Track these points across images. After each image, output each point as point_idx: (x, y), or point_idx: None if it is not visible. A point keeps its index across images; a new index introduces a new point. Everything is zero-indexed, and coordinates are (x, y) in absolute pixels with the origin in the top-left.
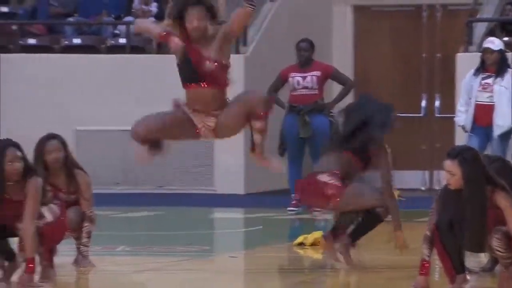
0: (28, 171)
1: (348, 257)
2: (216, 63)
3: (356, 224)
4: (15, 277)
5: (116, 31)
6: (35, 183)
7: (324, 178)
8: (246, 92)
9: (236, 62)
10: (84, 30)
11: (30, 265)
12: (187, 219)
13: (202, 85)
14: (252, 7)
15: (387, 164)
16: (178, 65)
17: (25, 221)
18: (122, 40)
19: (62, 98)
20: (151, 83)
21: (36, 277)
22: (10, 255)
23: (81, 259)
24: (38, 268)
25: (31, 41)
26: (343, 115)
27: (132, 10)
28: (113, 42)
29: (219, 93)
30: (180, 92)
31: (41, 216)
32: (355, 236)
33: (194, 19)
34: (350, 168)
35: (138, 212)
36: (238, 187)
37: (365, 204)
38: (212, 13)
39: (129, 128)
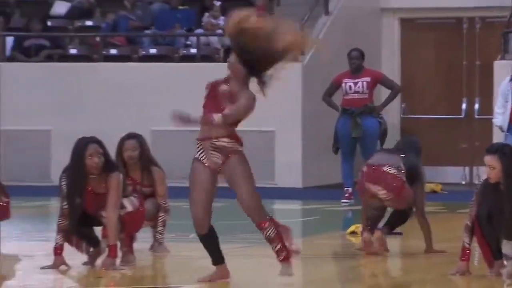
0: (109, 166)
1: (385, 245)
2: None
3: (390, 219)
4: (99, 261)
5: (188, 42)
6: (117, 177)
7: (391, 170)
8: (244, 189)
9: (294, 70)
10: (159, 41)
11: (113, 251)
12: None
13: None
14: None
15: (422, 195)
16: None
17: (108, 211)
18: (193, 50)
19: (140, 101)
20: None
21: (118, 261)
22: (95, 242)
23: (157, 246)
24: (120, 253)
25: (113, 51)
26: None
27: (202, 24)
28: (185, 52)
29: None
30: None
31: (122, 207)
32: (391, 228)
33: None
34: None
35: None
36: (296, 181)
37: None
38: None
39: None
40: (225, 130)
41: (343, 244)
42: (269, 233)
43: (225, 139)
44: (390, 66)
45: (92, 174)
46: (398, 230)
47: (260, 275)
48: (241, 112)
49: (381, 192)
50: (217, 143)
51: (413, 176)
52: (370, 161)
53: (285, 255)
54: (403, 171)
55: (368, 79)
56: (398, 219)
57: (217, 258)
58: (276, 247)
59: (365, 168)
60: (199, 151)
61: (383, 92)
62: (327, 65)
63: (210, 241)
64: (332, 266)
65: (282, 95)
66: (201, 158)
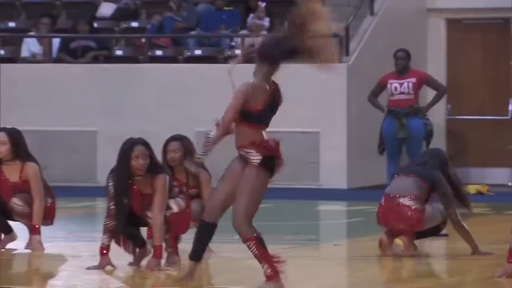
0: (154, 167)
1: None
2: None
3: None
4: (144, 262)
5: (233, 43)
6: (163, 179)
7: (407, 202)
8: (238, 205)
9: (339, 71)
10: (205, 42)
11: (158, 252)
12: (295, 211)
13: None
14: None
15: (451, 204)
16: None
17: (154, 212)
18: (238, 51)
19: (185, 102)
20: None
21: (163, 262)
22: (141, 243)
23: None
24: (165, 254)
25: (158, 52)
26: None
27: (247, 25)
28: (229, 52)
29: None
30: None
31: (168, 208)
32: (420, 237)
33: None
34: (421, 192)
35: None
36: (341, 182)
37: (435, 224)
38: None
39: None
40: (245, 139)
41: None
42: (255, 251)
43: (245, 149)
44: (436, 67)
45: (137, 175)
46: (444, 232)
47: (304, 275)
48: (228, 111)
49: (402, 227)
50: (240, 152)
51: (437, 187)
52: (389, 190)
53: (267, 277)
54: (421, 196)
55: (413, 79)
56: (427, 231)
57: (199, 254)
58: (262, 265)
59: (383, 201)
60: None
61: (429, 93)
62: (372, 66)
63: (207, 233)
64: (375, 267)
65: (327, 96)
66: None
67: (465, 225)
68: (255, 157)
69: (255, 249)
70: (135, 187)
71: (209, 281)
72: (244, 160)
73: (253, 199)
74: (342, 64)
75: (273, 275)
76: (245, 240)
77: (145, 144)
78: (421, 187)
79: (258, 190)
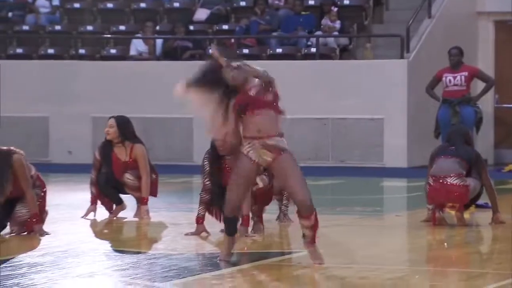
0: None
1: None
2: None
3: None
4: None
5: (309, 43)
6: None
7: (453, 180)
8: (298, 182)
9: (401, 66)
10: (285, 42)
11: (246, 220)
12: (363, 187)
13: (261, 108)
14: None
15: (486, 171)
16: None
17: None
18: (313, 49)
19: None
20: (334, 82)
21: (250, 229)
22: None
23: (282, 217)
24: (251, 223)
25: (245, 51)
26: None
27: (321, 26)
28: (306, 51)
29: (274, 116)
30: (350, 90)
31: (254, 183)
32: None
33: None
34: (462, 169)
35: (325, 181)
36: (402, 162)
37: (477, 193)
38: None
39: (319, 117)
40: (276, 129)
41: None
42: (311, 224)
43: (277, 138)
44: (485, 62)
45: (227, 155)
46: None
47: (372, 242)
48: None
49: (451, 205)
50: (268, 142)
51: (474, 163)
52: (434, 171)
53: (311, 242)
54: (463, 173)
55: (466, 73)
56: (471, 200)
57: (233, 231)
58: (308, 234)
59: (431, 181)
60: (248, 149)
61: (479, 85)
62: (430, 62)
63: (234, 224)
64: (432, 235)
65: (390, 88)
66: (249, 155)
67: (495, 192)
68: (285, 143)
69: (314, 223)
70: (226, 165)
71: (289, 246)
72: (272, 149)
73: (303, 176)
74: (403, 60)
75: (313, 242)
76: (309, 216)
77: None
78: (461, 165)
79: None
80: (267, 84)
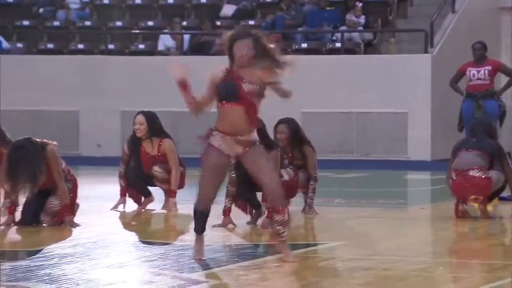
0: (269, 144)
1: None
2: (253, 86)
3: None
4: (259, 221)
5: (334, 37)
6: (275, 153)
7: (475, 173)
8: (269, 173)
9: (425, 61)
10: (310, 37)
11: (271, 213)
12: (387, 180)
13: (236, 104)
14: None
15: (508, 163)
16: (218, 86)
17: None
18: (338, 44)
19: (293, 87)
20: (359, 76)
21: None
22: (257, 205)
23: (307, 209)
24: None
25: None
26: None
27: (345, 21)
28: (331, 45)
29: (248, 113)
30: (374, 84)
31: (280, 176)
32: (490, 199)
33: (241, 48)
34: (484, 161)
35: (350, 174)
36: (426, 155)
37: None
38: (258, 45)
39: (344, 111)
40: (249, 128)
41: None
42: (283, 219)
43: (250, 135)
44: (509, 57)
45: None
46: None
47: (396, 234)
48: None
49: (475, 197)
50: (240, 138)
51: (496, 155)
52: (456, 165)
53: (284, 238)
54: (486, 166)
55: (489, 67)
56: (494, 192)
57: (202, 228)
58: (280, 230)
59: (454, 175)
60: (219, 142)
61: (502, 79)
62: (453, 56)
63: (205, 220)
64: (455, 227)
65: (415, 82)
66: (221, 148)
67: None
68: (256, 137)
69: (286, 217)
70: None
71: (314, 238)
72: (243, 143)
73: (276, 168)
74: (427, 55)
75: (285, 240)
76: (280, 209)
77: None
78: (483, 158)
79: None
80: (262, 91)
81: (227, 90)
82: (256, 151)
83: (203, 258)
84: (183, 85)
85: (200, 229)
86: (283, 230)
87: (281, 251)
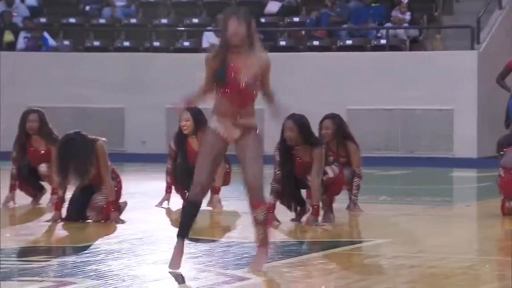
0: (314, 140)
1: None
2: (248, 78)
3: None
4: (304, 218)
5: (379, 34)
6: (320, 150)
7: None
8: (254, 165)
9: (471, 57)
10: (355, 34)
11: (316, 210)
12: (432, 177)
13: (233, 90)
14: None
15: None
16: (215, 71)
17: (312, 177)
18: (383, 41)
19: (338, 85)
20: (404, 73)
21: (320, 219)
22: (301, 202)
23: (352, 206)
24: (321, 212)
25: (315, 42)
26: None
27: (391, 18)
28: (376, 42)
29: (246, 100)
30: (420, 80)
31: (325, 173)
32: None
33: (232, 26)
34: None
35: (395, 171)
36: (472, 152)
37: None
38: (248, 22)
39: (389, 107)
40: (250, 109)
41: None
42: (260, 216)
43: (249, 119)
44: None
45: (297, 145)
46: None
47: (441, 231)
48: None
49: None
50: (240, 121)
51: None
52: (505, 163)
53: (263, 242)
54: None
55: None
56: None
57: (186, 231)
58: (259, 232)
59: (502, 173)
60: (217, 124)
61: None
62: (500, 52)
63: (194, 211)
64: (502, 225)
65: (461, 79)
66: (218, 130)
67: None
68: (255, 122)
69: (263, 215)
70: (297, 156)
71: (359, 235)
72: (240, 127)
73: (261, 161)
74: (473, 51)
75: (265, 244)
76: (257, 204)
77: (296, 120)
78: None
79: (262, 152)
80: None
81: (223, 80)
82: (249, 140)
83: (177, 271)
84: (189, 103)
85: (183, 232)
86: (259, 231)
87: (255, 256)
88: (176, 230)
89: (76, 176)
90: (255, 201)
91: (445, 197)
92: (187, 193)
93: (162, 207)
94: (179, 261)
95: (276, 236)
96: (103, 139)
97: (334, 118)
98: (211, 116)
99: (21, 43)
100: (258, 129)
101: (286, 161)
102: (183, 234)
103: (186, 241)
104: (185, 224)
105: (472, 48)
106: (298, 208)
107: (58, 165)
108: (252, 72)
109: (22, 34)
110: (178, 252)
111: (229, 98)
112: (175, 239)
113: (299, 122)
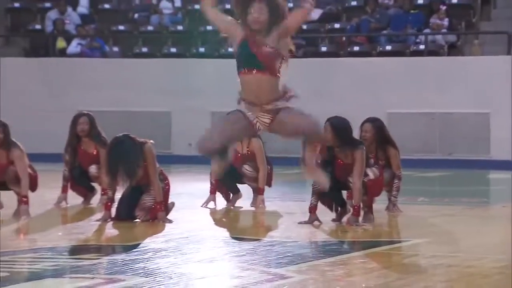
0: (354, 142)
1: None
2: (271, 49)
3: None
4: (344, 219)
5: (417, 40)
6: (361, 152)
7: None
8: (307, 119)
9: (507, 62)
10: (394, 39)
11: (356, 210)
12: (470, 179)
13: (256, 71)
14: (309, 7)
15: None
16: (236, 52)
17: (354, 178)
18: (422, 46)
19: (378, 89)
20: (442, 78)
21: (360, 219)
22: (342, 202)
23: (391, 207)
24: (361, 212)
25: (356, 48)
26: None
27: (429, 24)
28: (415, 48)
29: (270, 80)
30: (457, 85)
31: (366, 175)
32: None
33: (255, 12)
34: None
35: (433, 173)
36: (508, 155)
37: None
38: (272, 8)
39: (427, 111)
40: (275, 93)
41: None
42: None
43: (276, 102)
44: None
45: (337, 147)
46: None
47: (479, 231)
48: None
49: None
50: (267, 107)
51: None
52: None
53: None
54: None
55: None
56: None
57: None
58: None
59: None
60: (247, 111)
61: None
62: None
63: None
64: None
65: (496, 83)
66: (249, 116)
67: None
68: (286, 101)
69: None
70: (338, 158)
71: (398, 235)
72: (270, 112)
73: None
74: (509, 56)
75: None
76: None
77: (332, 123)
78: None
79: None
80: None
81: (246, 57)
82: (283, 114)
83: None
84: None
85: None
86: (311, 158)
87: (310, 175)
88: (220, 230)
89: (125, 177)
90: (315, 142)
91: (482, 198)
92: (231, 194)
93: (207, 207)
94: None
95: (318, 236)
96: (151, 141)
97: (374, 121)
98: (240, 103)
99: (73, 49)
100: (286, 107)
101: (327, 163)
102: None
103: (231, 240)
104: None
105: (509, 53)
106: (339, 208)
107: (108, 166)
108: (275, 42)
109: (75, 41)
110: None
111: (251, 82)
112: (219, 238)
113: (335, 124)
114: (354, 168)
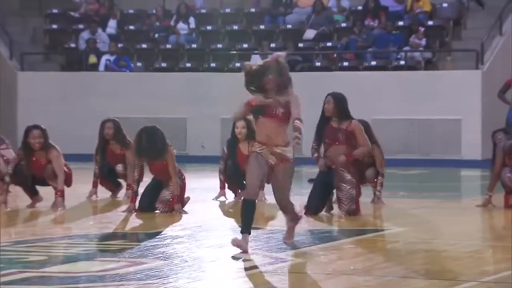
0: (347, 115)
1: None
2: (282, 108)
3: None
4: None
5: (398, 56)
6: (357, 122)
7: None
8: (284, 191)
9: (476, 76)
10: (378, 56)
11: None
12: (444, 176)
13: (270, 118)
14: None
15: None
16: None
17: (362, 149)
18: (402, 62)
19: (364, 98)
20: (420, 89)
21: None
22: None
23: (376, 200)
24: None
25: (345, 63)
26: None
27: (409, 43)
28: (396, 63)
29: (280, 127)
30: (433, 95)
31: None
32: None
33: (270, 82)
34: None
35: (413, 171)
36: (477, 155)
37: None
38: (282, 74)
39: (407, 117)
40: (283, 138)
41: None
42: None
43: (281, 148)
44: None
45: (335, 117)
46: None
47: (452, 221)
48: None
49: None
50: (275, 149)
51: None
52: None
53: (290, 229)
54: None
55: None
56: None
57: (249, 227)
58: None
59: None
60: (259, 150)
61: None
62: (501, 72)
63: (252, 209)
64: (504, 216)
65: (467, 94)
66: (260, 151)
67: None
68: (291, 154)
69: (296, 224)
70: (331, 123)
71: (381, 224)
72: (276, 156)
73: (290, 188)
74: (478, 71)
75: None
76: (297, 217)
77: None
78: None
79: (291, 181)
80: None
81: (263, 110)
82: (284, 168)
83: (246, 251)
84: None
85: (246, 229)
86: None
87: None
88: (229, 220)
89: (149, 156)
90: (291, 215)
91: (455, 192)
92: (239, 190)
93: (217, 201)
94: (247, 248)
95: (313, 225)
96: (172, 146)
97: (335, 94)
98: (254, 144)
99: (102, 64)
100: (290, 160)
101: (320, 126)
102: (247, 231)
103: (237, 228)
104: (247, 220)
105: (477, 68)
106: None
107: (137, 145)
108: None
109: (105, 58)
110: (244, 243)
111: (266, 124)
112: (228, 226)
113: (336, 96)
114: (357, 139)
